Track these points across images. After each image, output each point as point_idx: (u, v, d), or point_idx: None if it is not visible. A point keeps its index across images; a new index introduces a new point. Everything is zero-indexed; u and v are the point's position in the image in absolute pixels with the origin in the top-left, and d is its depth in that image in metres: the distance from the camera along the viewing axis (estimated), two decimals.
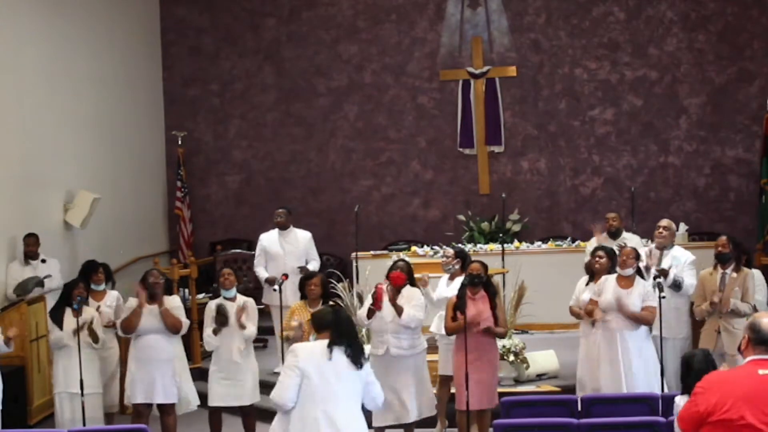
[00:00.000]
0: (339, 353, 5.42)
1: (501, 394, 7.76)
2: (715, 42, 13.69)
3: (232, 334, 8.21)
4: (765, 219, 12.55)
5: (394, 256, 10.11)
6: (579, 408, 6.84)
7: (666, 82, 13.82)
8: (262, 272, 10.32)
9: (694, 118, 13.78)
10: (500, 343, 8.78)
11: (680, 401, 6.11)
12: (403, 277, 7.88)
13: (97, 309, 8.53)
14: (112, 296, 8.92)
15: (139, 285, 8.18)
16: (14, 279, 10.07)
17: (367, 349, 7.89)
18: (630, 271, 7.91)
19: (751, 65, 13.63)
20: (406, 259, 8.86)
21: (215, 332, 8.17)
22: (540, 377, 9.38)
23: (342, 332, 5.49)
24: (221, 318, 8.16)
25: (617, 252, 8.16)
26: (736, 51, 13.65)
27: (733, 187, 13.73)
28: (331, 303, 7.88)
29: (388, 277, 7.95)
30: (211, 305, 8.33)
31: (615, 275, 7.99)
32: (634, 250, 8.06)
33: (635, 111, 13.87)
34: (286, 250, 10.21)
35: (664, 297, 7.80)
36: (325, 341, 5.47)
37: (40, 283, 9.93)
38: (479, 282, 7.75)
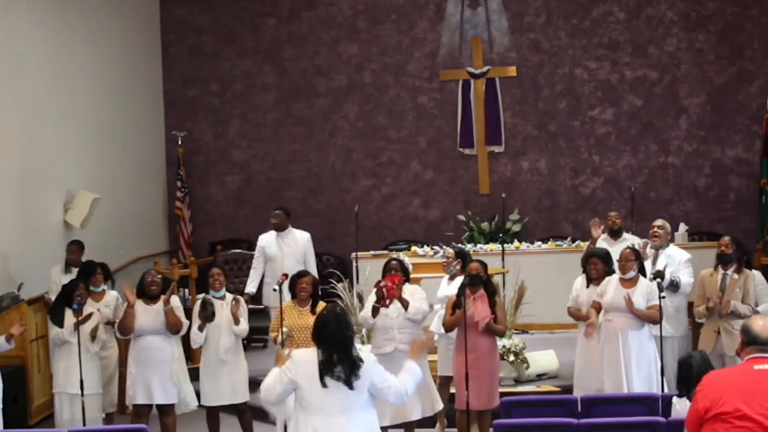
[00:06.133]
0: (331, 377, 5.20)
1: (501, 394, 7.76)
2: (715, 42, 13.69)
3: (220, 333, 8.14)
4: (765, 219, 12.54)
5: (395, 256, 10.05)
6: (579, 408, 6.84)
7: (666, 82, 13.82)
8: (251, 285, 10.19)
9: (694, 118, 13.78)
10: (500, 343, 8.79)
11: (677, 403, 6.12)
12: (400, 277, 7.85)
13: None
14: (111, 296, 8.92)
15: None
16: (54, 284, 9.57)
17: (368, 349, 7.90)
18: (632, 273, 7.89)
19: (751, 65, 13.63)
20: (401, 257, 8.86)
21: (200, 328, 8.09)
22: (540, 377, 9.39)
23: (333, 349, 5.22)
24: (207, 313, 8.06)
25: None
26: (736, 51, 13.65)
27: (733, 187, 13.73)
28: (324, 304, 7.79)
29: (384, 278, 7.92)
30: (198, 302, 8.28)
31: (617, 276, 7.98)
32: (633, 251, 8.03)
33: (635, 111, 13.87)
34: (284, 251, 10.09)
35: (664, 297, 7.81)
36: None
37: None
38: (479, 281, 7.75)
